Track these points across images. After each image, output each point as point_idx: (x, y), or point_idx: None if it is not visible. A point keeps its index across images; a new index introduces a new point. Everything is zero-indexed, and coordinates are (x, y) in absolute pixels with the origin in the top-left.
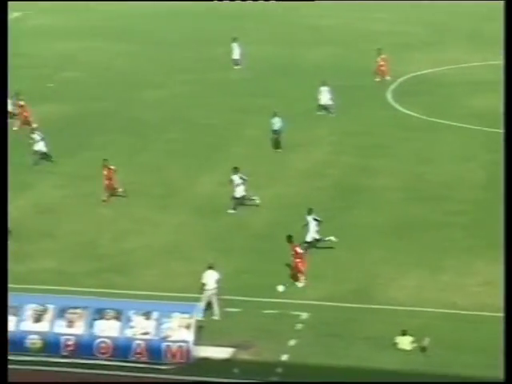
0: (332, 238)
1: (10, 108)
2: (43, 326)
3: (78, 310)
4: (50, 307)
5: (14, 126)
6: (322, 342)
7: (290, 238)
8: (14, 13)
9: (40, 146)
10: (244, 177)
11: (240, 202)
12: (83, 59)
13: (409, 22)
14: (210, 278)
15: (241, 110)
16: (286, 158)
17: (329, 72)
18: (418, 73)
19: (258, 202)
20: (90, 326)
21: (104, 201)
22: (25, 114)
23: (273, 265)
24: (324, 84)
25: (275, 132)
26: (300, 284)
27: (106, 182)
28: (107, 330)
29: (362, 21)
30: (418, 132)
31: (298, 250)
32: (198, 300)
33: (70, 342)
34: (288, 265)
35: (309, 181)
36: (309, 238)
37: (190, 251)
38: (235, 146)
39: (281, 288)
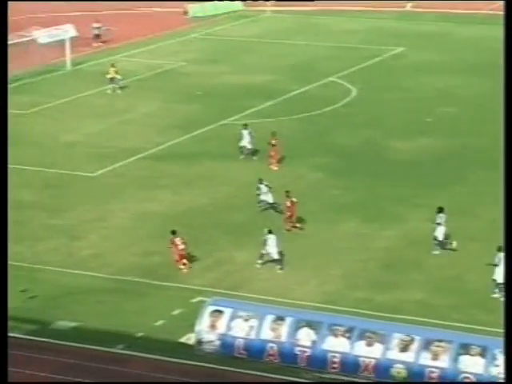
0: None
1: (249, 145)
2: (409, 356)
3: (442, 344)
4: (417, 338)
5: (272, 164)
6: None
7: None
8: (396, 48)
9: (267, 197)
10: (444, 219)
11: (440, 243)
12: (459, 94)
13: None
14: None
15: None
16: None
17: None
18: None
19: (453, 246)
20: (455, 360)
21: (288, 230)
22: (272, 153)
23: None
24: None
25: None
26: None
27: (288, 213)
28: (472, 365)
29: None
30: None
31: None
32: None
33: (433, 375)
34: None
35: None
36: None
37: None
38: None
39: None
